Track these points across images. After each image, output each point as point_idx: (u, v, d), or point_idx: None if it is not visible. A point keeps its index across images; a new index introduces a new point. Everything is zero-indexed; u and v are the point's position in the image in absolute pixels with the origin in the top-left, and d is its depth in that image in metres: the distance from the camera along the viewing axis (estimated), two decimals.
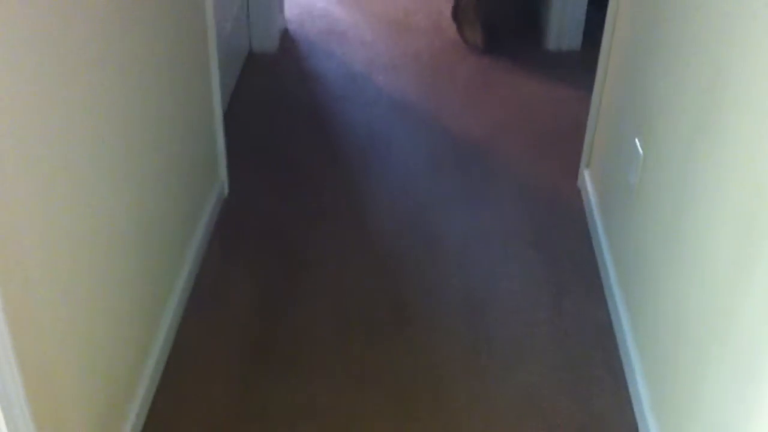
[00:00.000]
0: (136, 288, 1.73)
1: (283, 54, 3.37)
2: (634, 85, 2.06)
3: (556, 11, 3.34)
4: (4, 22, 1.10)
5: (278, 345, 1.99)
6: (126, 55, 1.59)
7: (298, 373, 1.91)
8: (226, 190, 2.51)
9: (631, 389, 1.87)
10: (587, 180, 2.50)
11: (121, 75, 1.57)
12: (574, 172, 2.64)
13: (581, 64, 3.31)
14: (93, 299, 1.49)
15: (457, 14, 3.40)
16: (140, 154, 1.71)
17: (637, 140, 1.96)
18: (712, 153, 1.48)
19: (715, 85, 1.48)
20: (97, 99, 1.45)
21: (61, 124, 1.30)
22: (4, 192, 1.12)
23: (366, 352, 1.98)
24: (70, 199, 1.36)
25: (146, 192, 1.77)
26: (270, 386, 1.87)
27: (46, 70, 1.24)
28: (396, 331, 2.04)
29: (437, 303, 2.14)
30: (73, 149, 1.36)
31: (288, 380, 1.89)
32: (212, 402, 1.83)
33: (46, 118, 1.25)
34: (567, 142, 2.82)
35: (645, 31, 1.98)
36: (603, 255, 2.22)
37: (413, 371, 1.93)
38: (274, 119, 2.93)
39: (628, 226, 2.02)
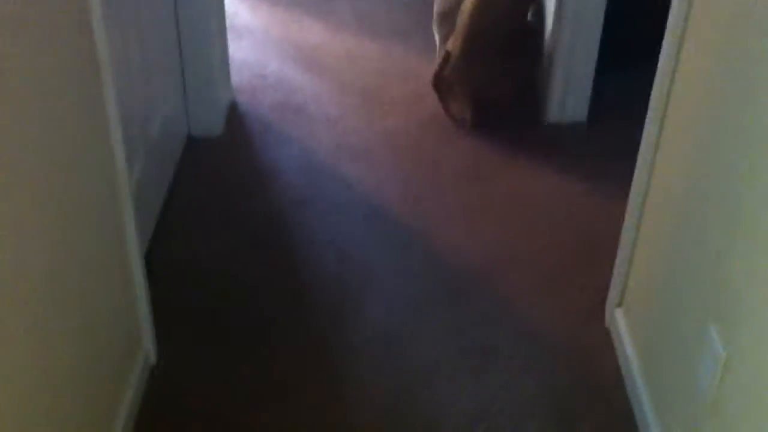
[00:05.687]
0: None
1: (229, 138, 2.76)
2: (704, 232, 1.49)
3: (558, 77, 2.78)
4: None
5: None
6: None
7: None
8: (154, 355, 1.91)
9: None
10: (621, 325, 1.94)
11: None
12: (597, 305, 2.08)
13: (590, 142, 2.76)
14: None
15: (439, 86, 2.83)
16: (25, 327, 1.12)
17: (714, 331, 1.39)
18: None
19: None
20: None
21: None
22: None
23: None
24: None
25: (44, 375, 1.17)
26: None
27: None
28: None
29: None
30: None
31: None
32: None
33: None
34: (585, 259, 2.26)
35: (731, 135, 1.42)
36: None
37: None
38: (216, 239, 2.32)
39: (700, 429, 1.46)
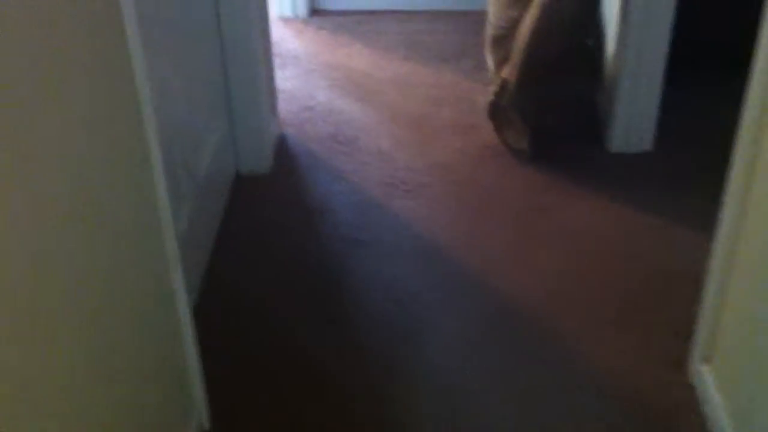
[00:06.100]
0: None
1: (278, 175, 2.66)
2: None
3: (623, 104, 2.63)
4: None
5: None
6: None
7: None
8: (207, 420, 1.81)
9: None
10: (709, 382, 1.78)
11: None
12: (671, 348, 1.93)
13: (657, 174, 2.60)
14: None
15: (495, 114, 2.70)
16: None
17: None
18: None
19: None
20: None
21: None
22: None
23: None
24: None
25: None
26: None
27: None
28: None
29: None
30: None
31: None
32: None
33: None
34: (655, 297, 2.12)
35: None
36: None
37: None
38: (267, 284, 2.21)
39: None
